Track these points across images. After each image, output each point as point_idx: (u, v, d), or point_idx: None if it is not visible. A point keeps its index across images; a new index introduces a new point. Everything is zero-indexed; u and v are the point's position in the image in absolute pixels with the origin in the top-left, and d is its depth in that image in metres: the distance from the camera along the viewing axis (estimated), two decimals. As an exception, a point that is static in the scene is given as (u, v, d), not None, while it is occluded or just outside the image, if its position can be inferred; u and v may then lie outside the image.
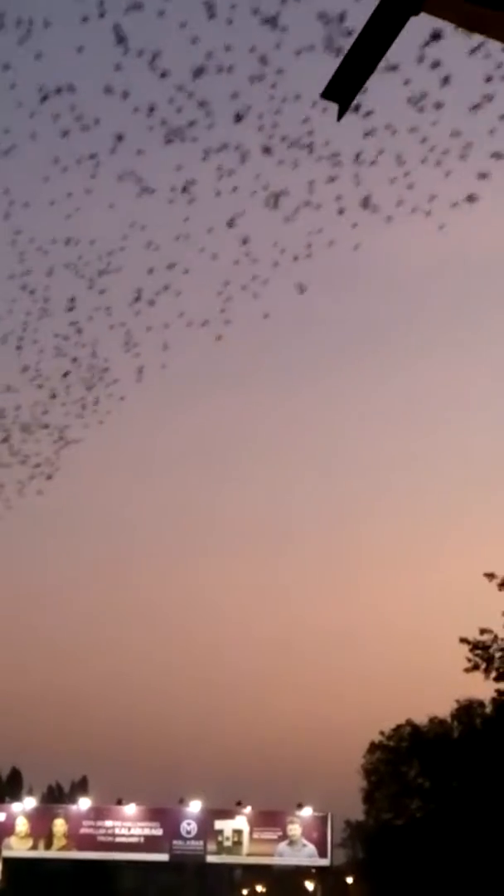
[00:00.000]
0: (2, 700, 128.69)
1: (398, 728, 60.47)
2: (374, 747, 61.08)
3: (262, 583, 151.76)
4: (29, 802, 66.13)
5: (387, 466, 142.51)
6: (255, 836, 60.48)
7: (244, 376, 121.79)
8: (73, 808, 63.63)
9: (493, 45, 8.75)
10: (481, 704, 57.83)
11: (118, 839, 61.06)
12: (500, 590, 36.48)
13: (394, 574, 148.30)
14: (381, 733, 60.94)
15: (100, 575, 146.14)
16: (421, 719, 60.01)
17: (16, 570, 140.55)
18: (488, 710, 57.10)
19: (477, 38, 9.73)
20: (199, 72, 14.09)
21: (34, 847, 61.26)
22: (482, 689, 49.04)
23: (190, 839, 60.48)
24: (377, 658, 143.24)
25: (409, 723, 60.16)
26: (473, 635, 37.88)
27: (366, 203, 16.45)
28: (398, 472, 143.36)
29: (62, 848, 61.40)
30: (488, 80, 13.74)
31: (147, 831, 60.90)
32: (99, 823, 61.26)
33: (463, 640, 37.72)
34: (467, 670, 38.23)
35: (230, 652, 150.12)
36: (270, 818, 61.06)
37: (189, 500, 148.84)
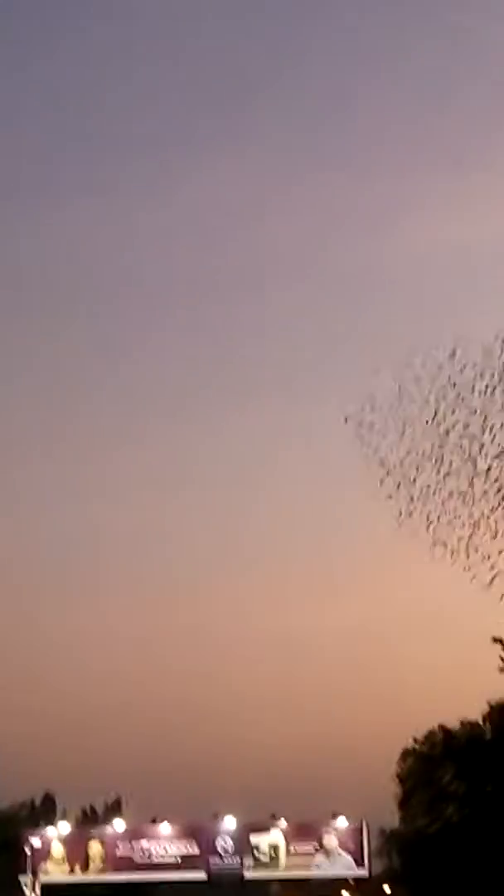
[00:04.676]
0: (32, 725, 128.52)
1: (430, 733, 60.30)
2: (406, 754, 60.89)
3: (284, 586, 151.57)
4: (63, 827, 65.77)
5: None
6: (292, 849, 60.29)
7: None
8: (109, 829, 63.35)
9: None
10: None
11: (155, 859, 60.81)
12: None
13: (421, 569, 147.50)
14: (414, 739, 60.79)
15: (130, 587, 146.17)
16: (453, 723, 59.82)
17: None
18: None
19: None
20: None
21: (71, 871, 61.01)
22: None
23: (227, 856, 60.32)
24: (407, 660, 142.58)
25: (442, 728, 59.98)
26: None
27: None
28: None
29: (99, 871, 61.17)
30: None
31: (184, 850, 60.68)
32: (135, 844, 61.00)
33: (496, 640, 37.56)
34: (502, 670, 38.10)
35: (256, 661, 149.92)
36: (306, 830, 60.76)
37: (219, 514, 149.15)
